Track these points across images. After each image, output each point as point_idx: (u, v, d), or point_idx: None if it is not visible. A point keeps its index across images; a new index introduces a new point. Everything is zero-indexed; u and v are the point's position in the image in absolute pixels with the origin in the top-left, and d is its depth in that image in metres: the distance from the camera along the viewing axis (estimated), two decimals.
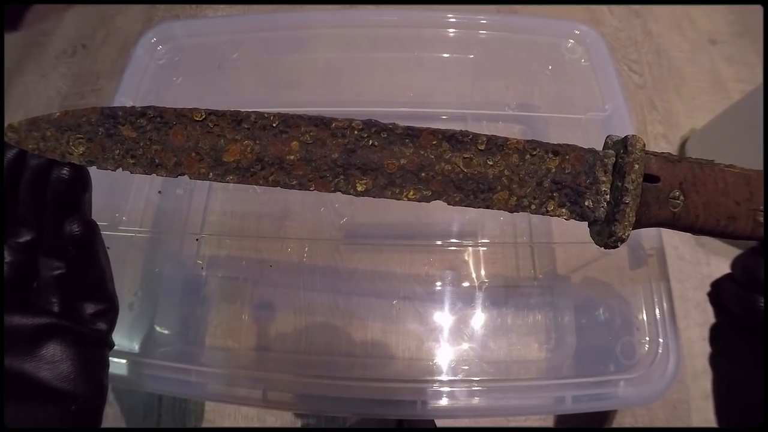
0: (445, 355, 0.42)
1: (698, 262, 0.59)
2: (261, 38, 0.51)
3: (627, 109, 0.44)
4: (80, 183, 0.23)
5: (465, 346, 0.43)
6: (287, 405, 0.38)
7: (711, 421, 0.26)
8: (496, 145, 0.24)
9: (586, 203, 0.24)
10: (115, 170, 0.23)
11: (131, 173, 0.23)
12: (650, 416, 0.52)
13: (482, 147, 0.24)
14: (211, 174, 0.24)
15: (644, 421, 0.52)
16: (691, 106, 0.70)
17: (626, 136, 0.24)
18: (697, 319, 0.56)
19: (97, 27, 0.78)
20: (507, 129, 0.53)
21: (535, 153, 0.24)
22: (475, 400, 0.36)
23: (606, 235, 0.24)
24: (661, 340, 0.36)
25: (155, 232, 0.47)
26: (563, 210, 0.24)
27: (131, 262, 0.44)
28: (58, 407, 0.21)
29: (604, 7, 0.78)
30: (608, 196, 0.24)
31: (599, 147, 0.25)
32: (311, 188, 0.24)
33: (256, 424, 0.51)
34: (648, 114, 0.69)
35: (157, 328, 0.43)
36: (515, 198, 0.24)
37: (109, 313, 0.24)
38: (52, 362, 0.21)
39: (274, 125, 0.24)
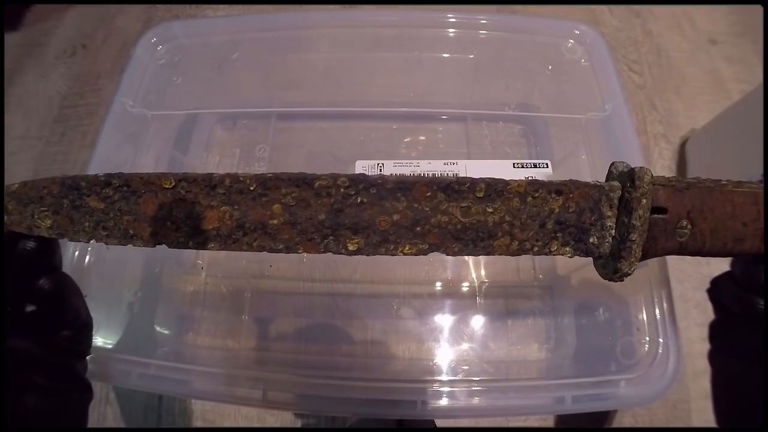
0: (445, 355, 0.42)
1: (698, 262, 0.59)
2: (261, 38, 0.51)
3: (627, 109, 0.43)
4: (48, 251, 0.22)
5: (465, 346, 0.43)
6: (287, 405, 0.38)
7: (711, 421, 0.26)
8: (495, 190, 0.23)
9: (591, 240, 0.23)
10: (88, 242, 0.22)
11: (107, 245, 0.22)
12: (650, 416, 0.52)
13: (480, 194, 0.22)
14: (190, 243, 0.22)
15: (644, 421, 0.52)
16: (691, 106, 0.70)
17: (633, 169, 0.22)
18: (697, 319, 0.56)
19: (97, 27, 0.78)
20: (507, 129, 0.53)
21: (537, 195, 0.23)
22: (475, 400, 0.36)
23: (611, 271, 0.23)
24: (661, 340, 0.36)
25: None
26: (567, 248, 0.23)
27: (131, 262, 0.44)
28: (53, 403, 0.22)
29: (604, 7, 0.78)
30: (614, 231, 0.23)
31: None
32: (300, 251, 0.23)
33: (256, 424, 0.51)
34: (648, 114, 0.69)
35: (157, 328, 0.43)
36: (517, 242, 0.23)
37: (85, 330, 0.24)
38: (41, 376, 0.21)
39: (252, 188, 0.22)
